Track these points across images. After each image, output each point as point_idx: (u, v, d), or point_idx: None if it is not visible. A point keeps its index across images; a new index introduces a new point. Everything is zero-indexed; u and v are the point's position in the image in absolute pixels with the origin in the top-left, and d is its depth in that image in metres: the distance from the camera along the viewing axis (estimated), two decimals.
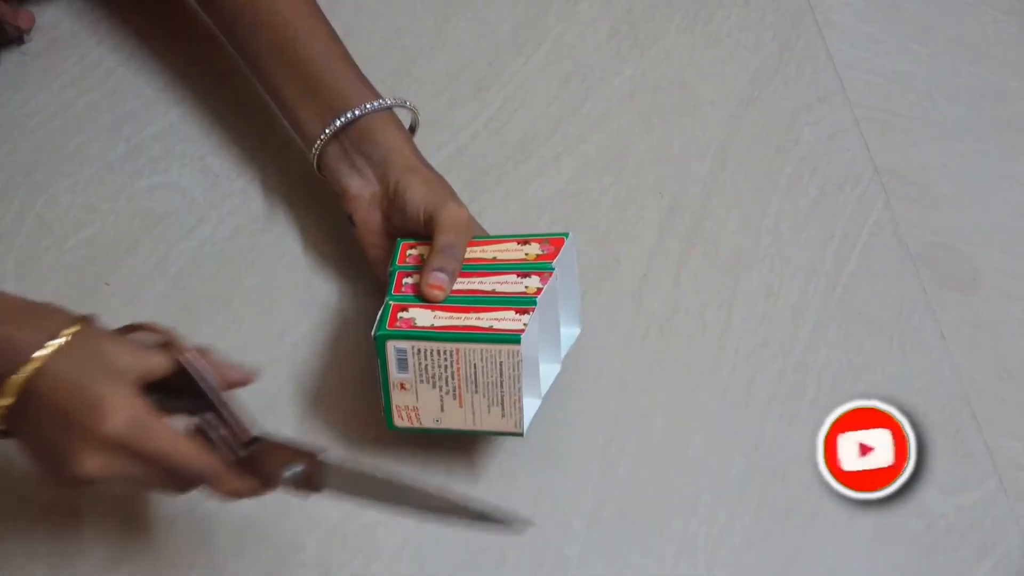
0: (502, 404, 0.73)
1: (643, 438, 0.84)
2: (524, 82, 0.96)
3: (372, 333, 0.72)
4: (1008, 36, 1.08)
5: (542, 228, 0.90)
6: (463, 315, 0.72)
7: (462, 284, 0.75)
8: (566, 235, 0.77)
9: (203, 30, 0.92)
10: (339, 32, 0.94)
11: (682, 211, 0.93)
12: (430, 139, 0.92)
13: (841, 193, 0.97)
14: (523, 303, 0.72)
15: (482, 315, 0.72)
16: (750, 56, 1.02)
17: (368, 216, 0.80)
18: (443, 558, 0.78)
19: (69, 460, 0.62)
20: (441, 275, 0.74)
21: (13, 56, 0.89)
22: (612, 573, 0.80)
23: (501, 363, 0.71)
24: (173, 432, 0.64)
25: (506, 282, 0.74)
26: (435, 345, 0.71)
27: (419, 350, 0.72)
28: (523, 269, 0.75)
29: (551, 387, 0.78)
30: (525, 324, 0.71)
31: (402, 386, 0.73)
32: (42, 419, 0.63)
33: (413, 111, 0.83)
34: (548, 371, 0.78)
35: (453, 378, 0.72)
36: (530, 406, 0.75)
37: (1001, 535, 0.85)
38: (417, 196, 0.77)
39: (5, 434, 0.65)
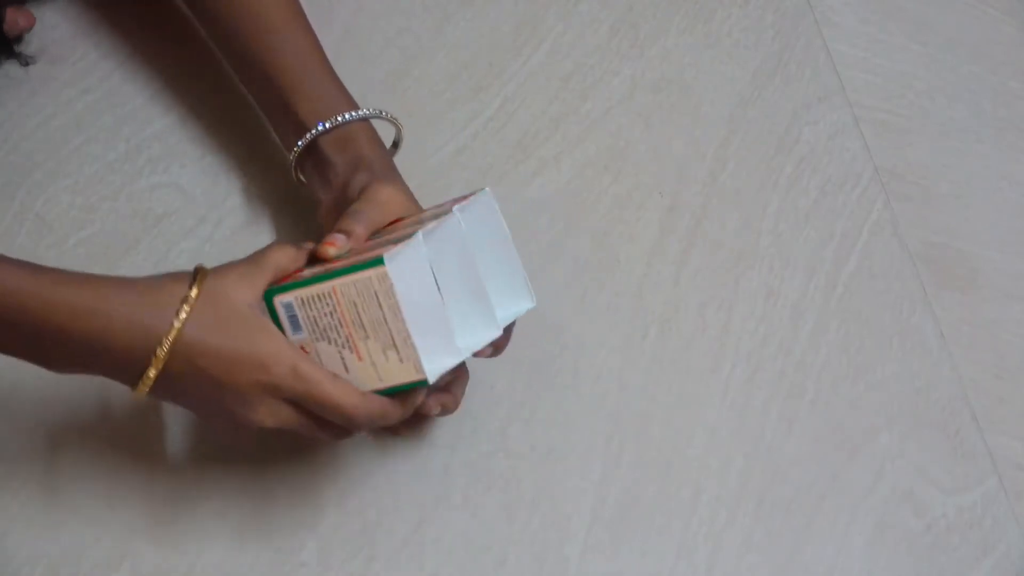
0: (395, 346, 0.65)
1: (643, 438, 0.84)
2: (524, 82, 0.96)
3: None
4: (1008, 36, 1.08)
5: (542, 228, 0.90)
6: (343, 262, 0.68)
7: (367, 248, 0.70)
8: (482, 190, 0.71)
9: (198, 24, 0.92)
10: (339, 32, 0.94)
11: (682, 211, 0.93)
12: (430, 139, 0.92)
13: (841, 193, 0.97)
14: (406, 239, 0.66)
15: (361, 255, 0.67)
16: (750, 56, 1.02)
17: (332, 224, 0.77)
18: (443, 558, 0.78)
19: (240, 416, 0.66)
20: (340, 236, 0.70)
21: (24, 61, 0.89)
22: (612, 573, 0.80)
23: (376, 293, 0.64)
24: (327, 379, 0.66)
25: (405, 228, 0.69)
26: (313, 289, 0.67)
27: (302, 300, 0.67)
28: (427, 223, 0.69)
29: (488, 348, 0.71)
30: (398, 251, 0.64)
31: (303, 348, 0.68)
32: (195, 387, 0.65)
33: (394, 123, 0.80)
34: (478, 331, 0.70)
35: (342, 326, 0.67)
36: (441, 355, 0.66)
37: (1001, 535, 0.86)
38: (358, 181, 0.75)
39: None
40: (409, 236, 0.66)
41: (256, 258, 0.69)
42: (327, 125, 0.77)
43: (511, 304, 0.72)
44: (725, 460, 0.84)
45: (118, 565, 0.74)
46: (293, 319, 0.68)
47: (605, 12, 1.01)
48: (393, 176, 0.77)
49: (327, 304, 0.67)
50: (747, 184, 0.96)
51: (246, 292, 0.67)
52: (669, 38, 1.02)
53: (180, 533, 0.76)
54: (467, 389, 0.76)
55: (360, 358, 0.67)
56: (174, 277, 0.67)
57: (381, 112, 0.79)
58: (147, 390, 0.65)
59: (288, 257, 0.69)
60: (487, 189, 0.71)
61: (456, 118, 0.93)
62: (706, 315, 0.89)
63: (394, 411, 0.68)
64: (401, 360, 0.66)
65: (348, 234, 0.70)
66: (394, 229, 0.72)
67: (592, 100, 0.97)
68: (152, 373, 0.65)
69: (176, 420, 0.77)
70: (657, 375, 0.86)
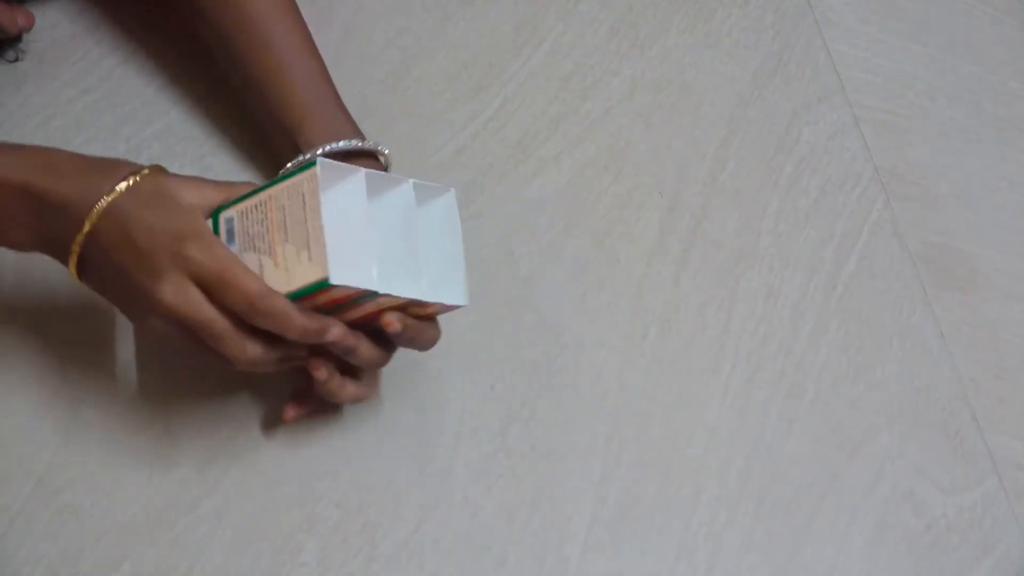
0: (308, 245, 0.65)
1: (643, 438, 0.84)
2: (524, 82, 0.96)
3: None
4: (1008, 36, 1.08)
5: (542, 228, 0.90)
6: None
7: None
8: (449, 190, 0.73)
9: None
10: (339, 32, 0.94)
11: (682, 211, 0.93)
12: (430, 139, 0.92)
13: (841, 193, 0.97)
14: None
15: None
16: (750, 56, 1.02)
17: None
18: (443, 558, 0.78)
19: (146, 289, 0.65)
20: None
21: (12, 56, 0.89)
22: (612, 573, 0.80)
23: (303, 194, 0.66)
24: (244, 266, 0.66)
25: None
26: (253, 200, 0.68)
27: (242, 211, 0.68)
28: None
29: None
30: (336, 164, 0.67)
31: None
32: (119, 257, 0.66)
33: (383, 157, 0.80)
34: (400, 281, 0.69)
35: (268, 233, 0.67)
36: (348, 271, 0.66)
37: (1001, 535, 0.86)
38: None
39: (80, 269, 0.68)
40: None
41: (221, 182, 0.70)
42: (327, 148, 0.77)
43: (444, 294, 0.71)
44: (725, 460, 0.84)
45: (118, 565, 0.74)
46: (231, 232, 0.69)
47: (605, 12, 1.01)
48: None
49: (261, 212, 0.68)
50: (747, 184, 0.96)
51: (193, 195, 0.68)
52: (669, 38, 1.02)
53: (180, 533, 0.76)
54: (467, 389, 0.76)
55: (276, 264, 0.67)
56: (119, 163, 0.68)
57: (377, 145, 0.79)
58: (78, 251, 0.66)
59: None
60: (453, 190, 0.72)
61: (456, 118, 0.93)
62: (706, 315, 0.89)
63: (292, 321, 0.66)
64: (311, 259, 0.65)
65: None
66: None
67: (592, 100, 0.97)
68: (86, 229, 0.66)
69: (177, 421, 0.77)
70: (657, 375, 0.86)
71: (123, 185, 0.66)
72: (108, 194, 0.65)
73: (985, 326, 0.94)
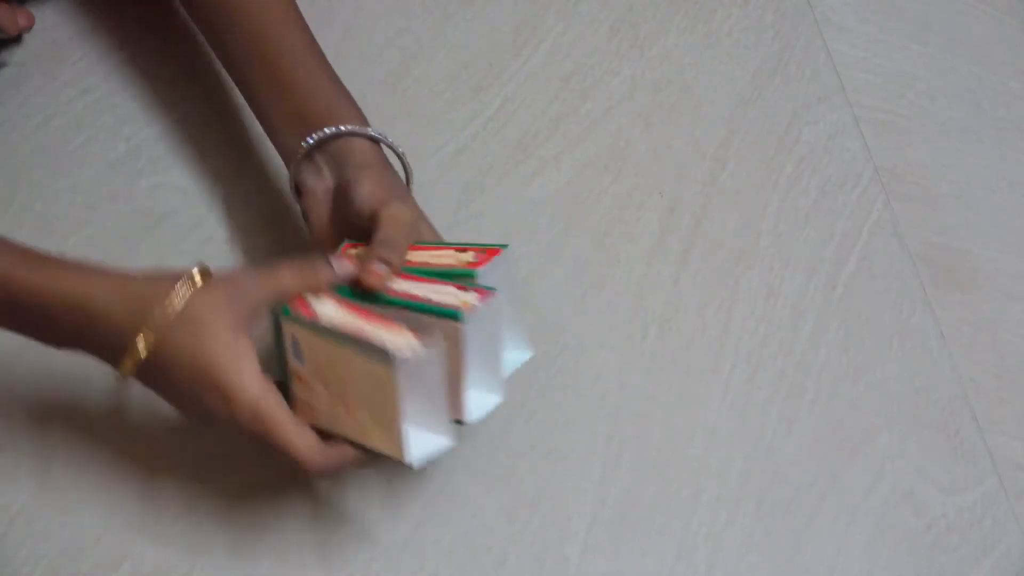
0: (384, 425, 0.66)
1: (643, 438, 0.84)
2: (524, 82, 0.96)
3: (274, 309, 0.68)
4: (1008, 36, 1.08)
5: (542, 228, 0.90)
6: (365, 320, 0.67)
7: (396, 284, 0.69)
8: (505, 246, 0.71)
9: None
10: (339, 32, 0.94)
11: (682, 211, 0.93)
12: (430, 139, 0.92)
13: (841, 193, 0.97)
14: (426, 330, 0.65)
15: (383, 331, 0.65)
16: (750, 56, 1.02)
17: (321, 213, 0.77)
18: (443, 558, 0.78)
19: (209, 420, 0.67)
20: (383, 266, 0.69)
21: (13, 56, 0.89)
22: (612, 573, 0.80)
23: (383, 381, 0.64)
24: (289, 429, 0.66)
25: (443, 292, 0.68)
26: (326, 342, 0.66)
27: (312, 343, 0.66)
28: (456, 279, 0.69)
29: (489, 415, 0.72)
30: (412, 347, 0.64)
31: (299, 378, 0.69)
32: (172, 386, 0.67)
33: (403, 160, 0.80)
34: (481, 400, 0.70)
35: (343, 383, 0.66)
36: (430, 442, 0.67)
37: (1001, 535, 0.86)
38: (364, 191, 0.74)
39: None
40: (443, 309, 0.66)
41: (260, 278, 0.68)
42: (332, 130, 0.76)
43: (512, 357, 0.73)
44: (725, 460, 0.84)
45: (118, 565, 0.74)
46: (297, 348, 0.68)
47: (605, 12, 1.01)
48: (406, 194, 0.76)
49: (335, 360, 0.66)
50: (747, 184, 0.96)
51: (234, 311, 0.67)
52: (669, 38, 1.02)
53: (180, 533, 0.76)
54: None
55: (348, 413, 0.67)
56: (163, 280, 0.67)
57: (391, 142, 0.79)
58: (125, 375, 0.67)
59: (295, 286, 0.69)
60: (509, 246, 0.71)
61: (456, 118, 0.93)
62: (706, 315, 0.89)
63: (351, 466, 0.69)
64: (386, 438, 0.66)
65: (389, 265, 0.70)
66: (415, 263, 0.71)
67: (592, 100, 0.97)
68: (128, 365, 0.66)
69: (177, 421, 0.77)
70: (657, 375, 0.86)
71: (165, 313, 0.66)
72: (145, 334, 0.66)
73: (985, 326, 0.94)
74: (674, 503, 0.82)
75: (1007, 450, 0.89)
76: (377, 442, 0.67)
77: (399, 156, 0.79)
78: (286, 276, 0.69)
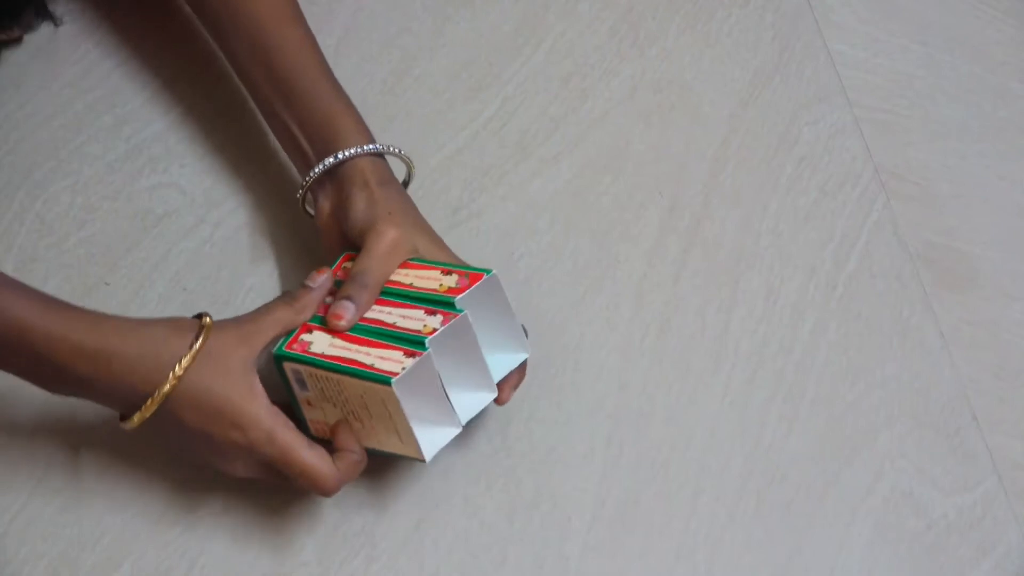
0: (398, 433, 0.71)
1: (643, 438, 0.84)
2: (524, 82, 0.96)
3: (272, 350, 0.73)
4: (1008, 36, 1.08)
5: (542, 228, 0.90)
6: (356, 347, 0.71)
7: (371, 312, 0.73)
8: (488, 272, 0.74)
9: (202, 29, 0.92)
10: (339, 32, 0.94)
11: (682, 211, 0.93)
12: (430, 139, 0.92)
13: (841, 193, 0.97)
14: (415, 345, 0.70)
15: (371, 351, 0.71)
16: (750, 56, 1.02)
17: (329, 227, 0.79)
18: (443, 558, 0.78)
19: (217, 466, 0.72)
20: (348, 304, 0.73)
21: (13, 56, 0.89)
22: (612, 573, 0.80)
23: (383, 401, 0.69)
24: (302, 448, 0.70)
25: (410, 317, 0.72)
26: (323, 373, 0.71)
27: (311, 374, 0.72)
28: (432, 305, 0.72)
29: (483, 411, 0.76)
30: (404, 368, 0.68)
31: (308, 403, 0.74)
32: (178, 432, 0.70)
33: (406, 162, 0.81)
34: (474, 400, 0.74)
35: (348, 403, 0.71)
36: (439, 434, 0.72)
37: (1001, 535, 0.86)
38: (356, 212, 0.76)
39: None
40: (413, 336, 0.71)
41: (256, 317, 0.72)
42: (345, 155, 0.77)
43: (509, 357, 0.76)
44: (725, 460, 0.84)
45: (118, 565, 0.74)
46: (300, 379, 0.73)
47: (605, 12, 1.01)
48: (401, 209, 0.77)
49: (335, 386, 0.71)
50: (747, 184, 0.96)
51: (243, 351, 0.70)
52: (669, 38, 1.01)
53: (180, 533, 0.76)
54: None
55: (363, 425, 0.72)
56: (177, 329, 0.70)
57: (398, 150, 0.80)
58: (135, 426, 0.70)
59: (287, 315, 0.73)
60: (493, 271, 0.74)
61: (456, 118, 0.93)
62: (706, 315, 0.89)
63: (360, 469, 0.73)
64: (403, 442, 0.71)
65: (355, 303, 0.73)
66: (397, 284, 0.75)
67: (592, 100, 0.97)
68: (137, 418, 0.69)
69: None
70: (657, 375, 0.86)
71: (176, 373, 0.68)
72: (160, 387, 0.68)
73: (985, 326, 0.94)
74: (674, 503, 0.82)
75: (1007, 450, 0.89)
76: (393, 447, 0.72)
77: (400, 157, 0.80)
78: (278, 308, 0.73)
